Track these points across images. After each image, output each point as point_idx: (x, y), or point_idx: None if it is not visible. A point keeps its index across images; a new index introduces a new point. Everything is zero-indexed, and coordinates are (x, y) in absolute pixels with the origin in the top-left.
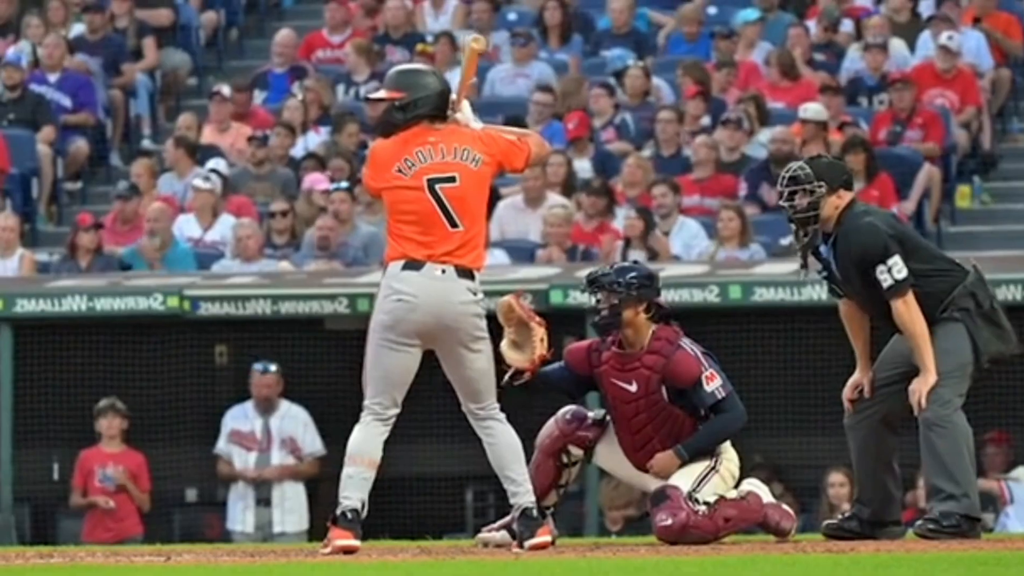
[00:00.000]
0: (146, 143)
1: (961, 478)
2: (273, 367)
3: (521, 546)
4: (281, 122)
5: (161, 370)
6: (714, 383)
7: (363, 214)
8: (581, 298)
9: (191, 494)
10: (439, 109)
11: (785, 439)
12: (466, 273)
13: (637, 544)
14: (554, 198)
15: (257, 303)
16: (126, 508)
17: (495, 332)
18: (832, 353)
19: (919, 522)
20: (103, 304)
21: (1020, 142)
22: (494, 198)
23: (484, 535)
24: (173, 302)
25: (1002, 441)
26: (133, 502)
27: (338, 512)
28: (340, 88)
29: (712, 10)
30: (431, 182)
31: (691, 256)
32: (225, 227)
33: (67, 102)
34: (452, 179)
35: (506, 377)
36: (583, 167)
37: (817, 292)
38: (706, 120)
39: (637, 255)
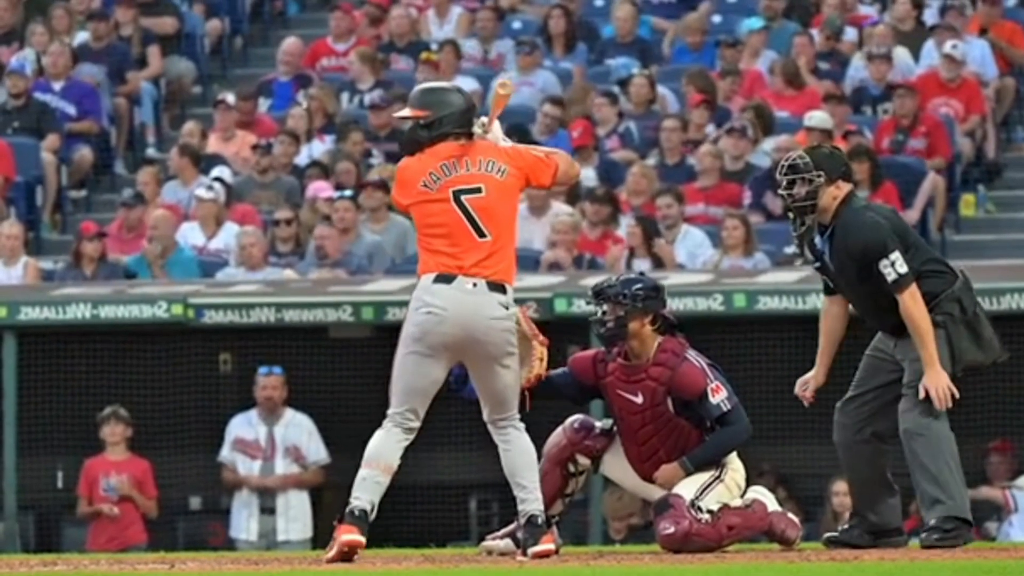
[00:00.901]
0: (150, 151)
1: (948, 482)
2: (278, 369)
3: (525, 554)
4: (285, 130)
5: (165, 378)
6: (719, 395)
7: (367, 222)
8: (585, 307)
9: (195, 502)
10: (464, 126)
11: (789, 447)
12: (497, 287)
13: (641, 552)
14: (558, 207)
15: (261, 311)
16: (130, 516)
17: None
18: (836, 362)
19: (923, 534)
20: (107, 312)
21: None
22: None
23: (488, 543)
24: (177, 310)
25: (1006, 450)
26: (138, 510)
27: (346, 510)
28: (344, 96)
29: (717, 18)
30: (456, 193)
31: (696, 265)
32: (229, 235)
33: (71, 110)
34: (478, 190)
35: None
36: (587, 176)
37: (822, 301)
38: (711, 129)
39: (641, 264)
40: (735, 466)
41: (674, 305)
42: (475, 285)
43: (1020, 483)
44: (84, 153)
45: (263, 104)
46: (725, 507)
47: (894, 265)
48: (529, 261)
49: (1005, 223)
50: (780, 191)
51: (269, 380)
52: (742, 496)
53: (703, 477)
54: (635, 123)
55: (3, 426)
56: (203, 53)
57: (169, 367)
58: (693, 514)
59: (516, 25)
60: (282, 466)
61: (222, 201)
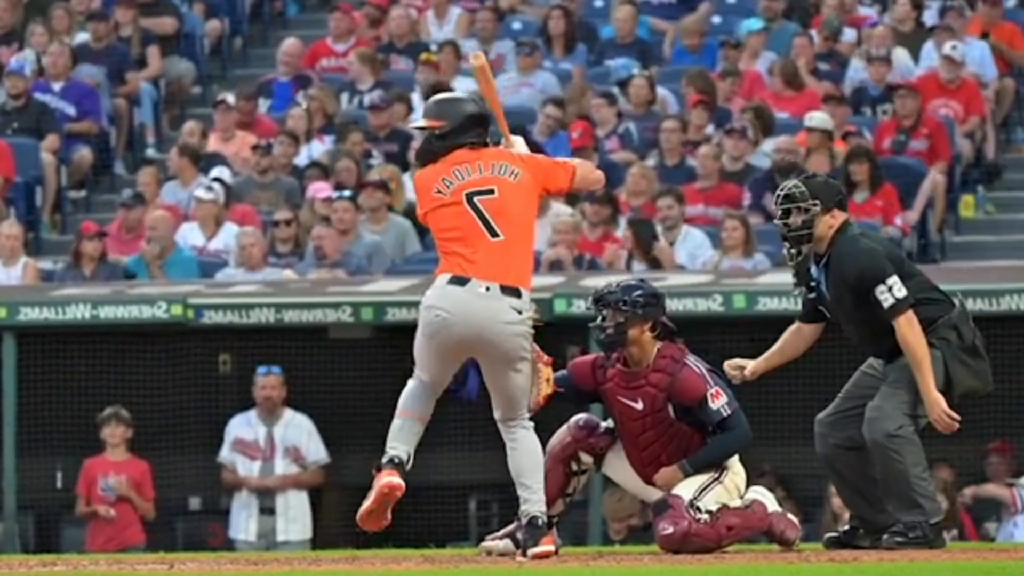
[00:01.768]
0: (150, 152)
1: (919, 488)
2: (276, 369)
3: (524, 554)
4: (285, 131)
5: (165, 378)
6: (720, 400)
7: (367, 222)
8: (585, 308)
9: (195, 502)
10: (479, 135)
11: (789, 448)
12: (511, 291)
13: (641, 553)
14: (559, 207)
15: (261, 312)
16: (128, 517)
17: None
18: (836, 362)
19: (885, 536)
20: (107, 312)
21: None
22: None
23: (488, 543)
24: (177, 310)
25: (1005, 451)
26: (136, 511)
27: (384, 459)
28: (344, 97)
29: (716, 19)
30: (469, 196)
31: (696, 266)
32: (229, 236)
33: (71, 111)
34: (491, 191)
35: None
36: None
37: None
38: (710, 130)
39: (637, 266)
40: (735, 469)
41: (674, 306)
42: (488, 289)
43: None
44: (84, 153)
45: (262, 104)
46: (724, 507)
47: (892, 290)
48: None
49: (1005, 224)
50: (776, 220)
51: (268, 380)
52: (741, 498)
53: (702, 478)
54: (635, 124)
55: (3, 426)
56: (203, 53)
57: (168, 367)
58: (692, 514)
59: (516, 26)
60: (281, 466)
61: (221, 202)
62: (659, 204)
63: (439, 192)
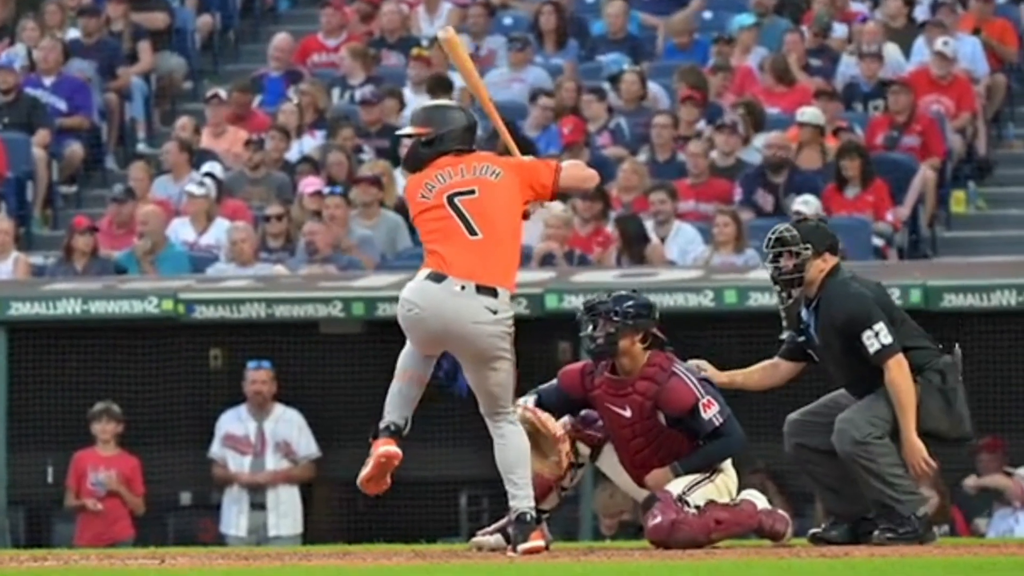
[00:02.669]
0: (141, 147)
1: (898, 485)
2: (267, 363)
3: (515, 550)
4: (276, 126)
5: (156, 373)
6: (711, 410)
7: (358, 217)
8: (576, 302)
9: (185, 497)
10: (465, 143)
11: (780, 444)
12: (488, 291)
13: (631, 548)
14: (550, 202)
15: (252, 306)
16: (117, 512)
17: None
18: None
19: (876, 532)
20: (98, 307)
21: (1015, 148)
22: None
23: (478, 539)
24: (168, 305)
25: (996, 447)
26: (125, 506)
27: (381, 426)
28: (335, 92)
29: (708, 15)
30: (450, 197)
31: (687, 261)
32: (220, 231)
33: (62, 105)
34: (471, 191)
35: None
36: None
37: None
38: (702, 125)
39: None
40: (727, 471)
41: (665, 301)
42: (463, 288)
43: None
44: (75, 148)
45: (254, 100)
46: (712, 503)
47: (878, 336)
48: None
49: (995, 220)
50: (766, 263)
51: (258, 374)
52: (732, 500)
53: (693, 476)
54: (626, 119)
55: None
56: (194, 48)
57: (159, 363)
58: (679, 506)
59: (507, 21)
60: (272, 461)
61: (213, 197)
62: (651, 199)
63: (423, 197)
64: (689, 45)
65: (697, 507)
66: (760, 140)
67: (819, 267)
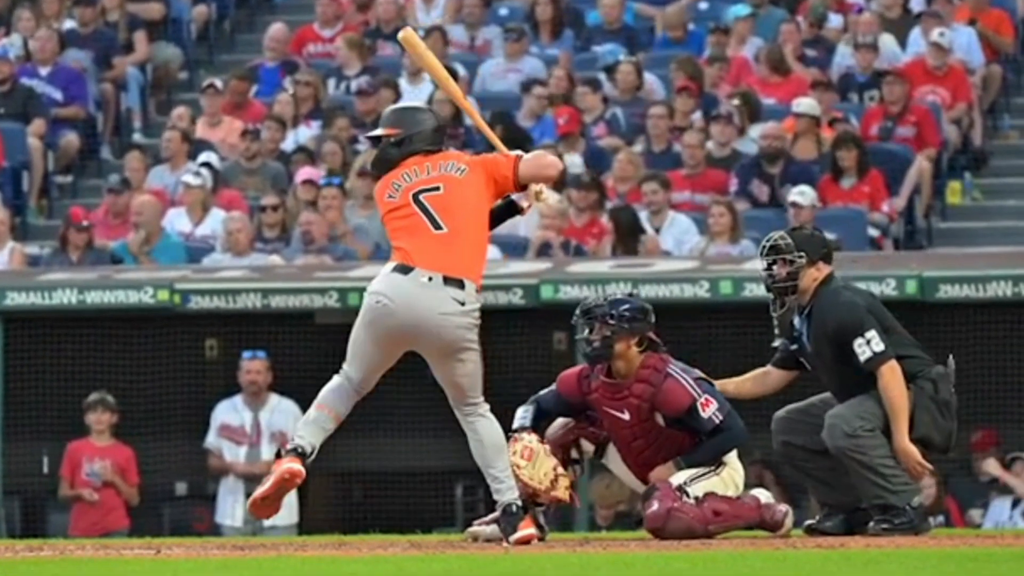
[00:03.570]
0: (137, 137)
1: (891, 476)
2: (262, 353)
3: (507, 541)
4: (272, 116)
5: (151, 364)
6: (710, 408)
7: (354, 207)
8: (572, 292)
9: (181, 488)
10: (434, 143)
11: None
12: (455, 282)
13: (627, 539)
14: (545, 192)
15: (247, 297)
16: (112, 502)
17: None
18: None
19: (871, 523)
20: (93, 297)
21: (1011, 139)
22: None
23: (474, 529)
24: (163, 296)
25: (989, 443)
26: (120, 496)
27: (288, 447)
28: (331, 82)
29: (703, 5)
30: (416, 194)
31: (682, 251)
32: (216, 221)
33: (58, 95)
34: (436, 188)
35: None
36: (574, 162)
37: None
38: (697, 116)
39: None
40: (734, 465)
41: (660, 292)
42: (430, 279)
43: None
44: (70, 138)
45: (251, 89)
46: (712, 494)
47: (870, 343)
48: (515, 248)
49: (991, 211)
50: (760, 271)
51: (253, 364)
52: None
53: (698, 469)
54: (621, 110)
55: None
56: (189, 39)
57: (155, 353)
58: (677, 495)
59: (503, 12)
60: (268, 452)
61: (209, 187)
62: (644, 189)
63: (390, 197)
64: (683, 38)
65: (696, 498)
66: (756, 131)
67: (813, 275)
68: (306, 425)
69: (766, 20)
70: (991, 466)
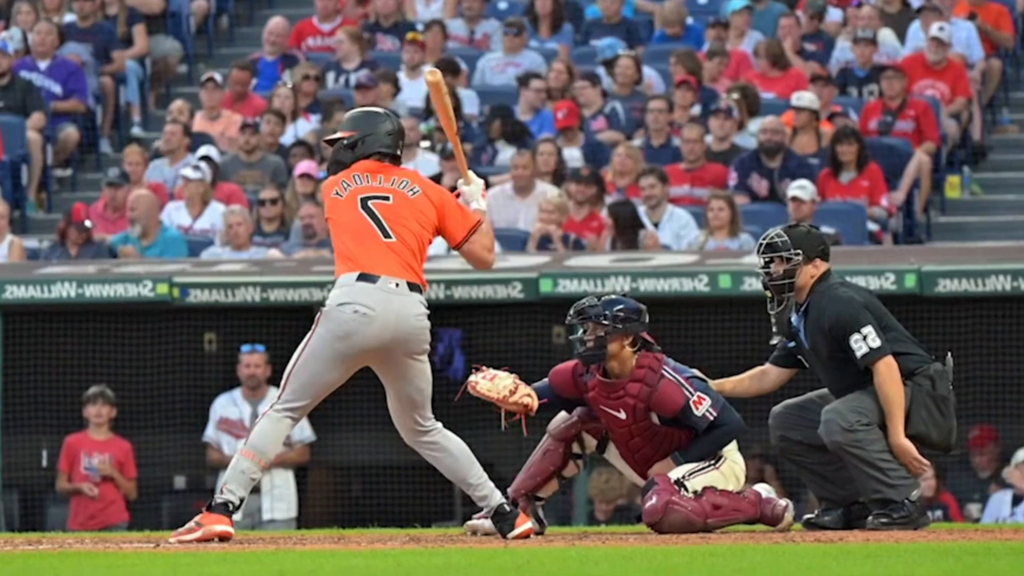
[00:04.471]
0: (136, 130)
1: (888, 469)
2: (261, 347)
3: (506, 538)
4: (271, 110)
5: (150, 357)
6: (703, 406)
7: None
8: (571, 286)
9: (179, 481)
10: (389, 148)
11: None
12: (415, 287)
13: (626, 533)
14: (544, 186)
15: (246, 290)
16: (111, 495)
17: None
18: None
19: (870, 518)
20: (92, 291)
21: (1010, 133)
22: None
23: (473, 523)
24: (162, 289)
25: (987, 439)
26: (119, 490)
27: (217, 500)
28: (330, 76)
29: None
30: (364, 199)
31: (681, 246)
32: (215, 215)
33: (57, 89)
34: (386, 198)
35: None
36: (573, 156)
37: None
38: (696, 110)
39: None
40: (735, 458)
41: (659, 286)
42: (397, 285)
43: None
44: (69, 132)
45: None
46: (712, 488)
47: (866, 339)
48: (515, 241)
49: (990, 205)
50: (757, 270)
51: (252, 358)
52: (740, 488)
53: (697, 464)
54: (620, 104)
55: None
56: (189, 32)
57: (154, 346)
58: (675, 489)
59: (502, 6)
60: None
61: (208, 181)
62: (641, 184)
63: (337, 194)
64: (681, 35)
65: (695, 492)
66: (755, 125)
67: (810, 273)
68: (235, 476)
69: (765, 14)
70: (1015, 477)
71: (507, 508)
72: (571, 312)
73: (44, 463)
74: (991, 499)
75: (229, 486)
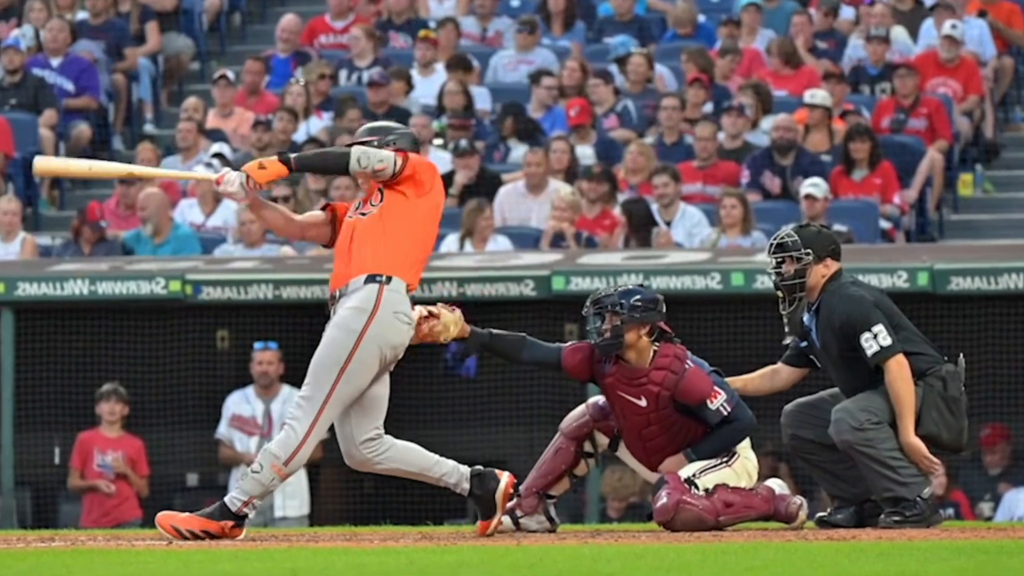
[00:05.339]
0: (148, 128)
1: (899, 468)
2: (273, 345)
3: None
4: (284, 107)
5: (163, 355)
6: (719, 400)
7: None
8: (583, 284)
9: (192, 479)
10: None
11: None
12: None
13: (639, 531)
14: (556, 184)
15: (259, 288)
16: (124, 493)
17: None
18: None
19: (882, 516)
20: (105, 288)
21: (1022, 131)
22: (495, 184)
23: (523, 521)
24: (175, 286)
25: (998, 438)
26: (131, 487)
27: (247, 512)
28: (343, 73)
29: None
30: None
31: (693, 243)
32: (227, 212)
33: (69, 86)
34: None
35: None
36: (585, 153)
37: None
38: (709, 107)
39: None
40: (747, 454)
41: (672, 284)
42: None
43: None
44: (82, 129)
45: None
46: (723, 486)
47: (877, 338)
48: (527, 239)
49: (1003, 203)
50: (768, 270)
51: (264, 355)
52: (752, 485)
53: (709, 461)
54: (633, 101)
55: (0, 402)
56: (201, 30)
57: (166, 344)
58: (687, 487)
59: (515, 3)
60: None
61: None
62: (654, 182)
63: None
64: (693, 32)
65: (706, 489)
66: (768, 122)
67: (821, 272)
68: (262, 491)
69: (778, 12)
70: None
71: (480, 470)
72: (587, 303)
73: (56, 460)
74: (1004, 497)
75: (257, 500)
